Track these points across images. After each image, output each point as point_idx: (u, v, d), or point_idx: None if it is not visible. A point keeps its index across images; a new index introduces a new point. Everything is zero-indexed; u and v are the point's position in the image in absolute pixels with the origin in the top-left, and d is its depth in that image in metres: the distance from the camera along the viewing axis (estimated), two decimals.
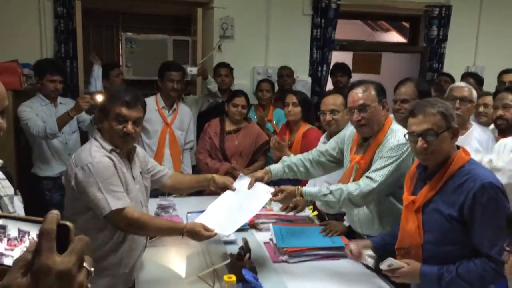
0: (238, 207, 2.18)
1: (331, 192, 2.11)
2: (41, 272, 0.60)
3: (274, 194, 2.18)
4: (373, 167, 2.12)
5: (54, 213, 0.63)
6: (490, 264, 1.65)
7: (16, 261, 0.61)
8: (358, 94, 2.19)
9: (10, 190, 1.34)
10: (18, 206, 1.33)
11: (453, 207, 1.70)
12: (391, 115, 2.65)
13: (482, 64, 5.32)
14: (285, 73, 4.46)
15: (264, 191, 2.23)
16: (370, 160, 2.20)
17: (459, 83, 3.05)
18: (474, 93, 2.84)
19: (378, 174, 2.07)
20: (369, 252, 1.96)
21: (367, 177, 2.09)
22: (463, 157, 1.75)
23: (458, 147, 1.80)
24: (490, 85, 4.54)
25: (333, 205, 2.14)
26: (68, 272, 0.60)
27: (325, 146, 2.55)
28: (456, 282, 1.68)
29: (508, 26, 5.30)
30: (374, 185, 2.06)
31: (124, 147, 2.02)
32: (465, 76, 4.34)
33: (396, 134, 2.14)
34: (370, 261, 1.95)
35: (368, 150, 2.21)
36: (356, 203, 2.11)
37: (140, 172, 2.14)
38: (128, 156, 2.08)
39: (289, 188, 2.19)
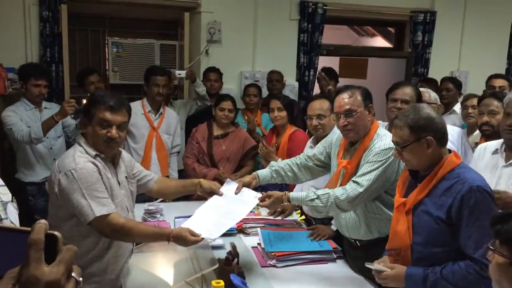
0: (225, 212, 2.17)
1: (318, 197, 2.11)
2: (29, 283, 0.59)
3: (262, 200, 2.18)
4: (359, 172, 2.13)
5: (42, 222, 0.63)
6: (474, 266, 1.66)
7: (8, 273, 0.60)
8: (344, 99, 2.20)
9: (6, 196, 1.32)
10: (11, 213, 1.31)
11: (441, 209, 1.72)
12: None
13: (466, 69, 5.41)
14: (275, 78, 4.46)
15: (251, 196, 2.23)
16: (356, 164, 2.21)
17: (420, 89, 3.12)
18: (433, 95, 2.94)
19: (364, 179, 2.08)
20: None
21: (354, 181, 2.11)
22: (454, 161, 1.77)
23: (450, 151, 1.82)
24: (474, 89, 4.62)
25: (320, 210, 2.14)
26: (57, 283, 0.60)
27: (312, 150, 2.56)
28: (441, 284, 1.70)
29: (491, 32, 5.41)
30: (361, 189, 2.07)
31: (108, 152, 2.00)
32: (444, 81, 4.43)
33: (383, 139, 2.16)
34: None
35: (355, 154, 2.22)
36: (343, 208, 2.12)
37: (126, 177, 2.12)
38: (113, 161, 2.06)
39: (276, 193, 2.19)
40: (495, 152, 2.38)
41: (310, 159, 2.49)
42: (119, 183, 2.04)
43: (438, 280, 1.70)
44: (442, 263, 1.73)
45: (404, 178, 1.94)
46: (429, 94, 2.94)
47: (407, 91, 2.58)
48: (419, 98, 2.60)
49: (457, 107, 4.00)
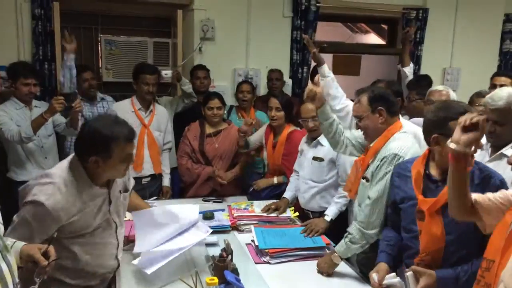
0: (172, 235, 2.17)
1: (348, 233, 2.17)
2: None
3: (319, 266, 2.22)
4: (372, 183, 2.17)
5: None
6: None
7: None
8: (353, 105, 2.31)
9: None
10: None
11: None
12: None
13: (458, 66, 5.44)
14: (274, 77, 4.46)
15: (203, 230, 2.24)
16: (367, 163, 2.24)
17: (437, 86, 3.10)
18: (452, 95, 2.91)
19: (373, 190, 2.13)
20: (392, 278, 1.87)
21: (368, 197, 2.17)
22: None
23: None
24: (466, 87, 4.65)
25: (357, 241, 2.15)
26: None
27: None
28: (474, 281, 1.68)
29: (483, 29, 5.44)
30: (368, 202, 2.13)
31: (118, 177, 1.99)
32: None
33: (396, 141, 2.16)
34: (398, 282, 1.86)
35: (368, 153, 2.26)
36: (368, 228, 2.14)
37: (120, 191, 2.07)
38: (108, 184, 1.98)
39: (328, 256, 2.22)
40: (482, 149, 2.41)
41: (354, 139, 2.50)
42: (110, 202, 1.98)
43: (471, 278, 1.61)
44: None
45: (417, 178, 1.87)
46: (448, 94, 2.91)
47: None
48: (398, 94, 2.67)
49: None
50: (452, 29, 5.39)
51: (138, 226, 2.17)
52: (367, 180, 2.20)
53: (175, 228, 2.19)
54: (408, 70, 4.21)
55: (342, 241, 2.18)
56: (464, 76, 5.41)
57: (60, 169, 1.88)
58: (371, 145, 2.24)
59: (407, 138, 2.18)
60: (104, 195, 1.95)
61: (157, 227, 2.16)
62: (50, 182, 1.81)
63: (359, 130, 2.35)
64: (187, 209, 2.28)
